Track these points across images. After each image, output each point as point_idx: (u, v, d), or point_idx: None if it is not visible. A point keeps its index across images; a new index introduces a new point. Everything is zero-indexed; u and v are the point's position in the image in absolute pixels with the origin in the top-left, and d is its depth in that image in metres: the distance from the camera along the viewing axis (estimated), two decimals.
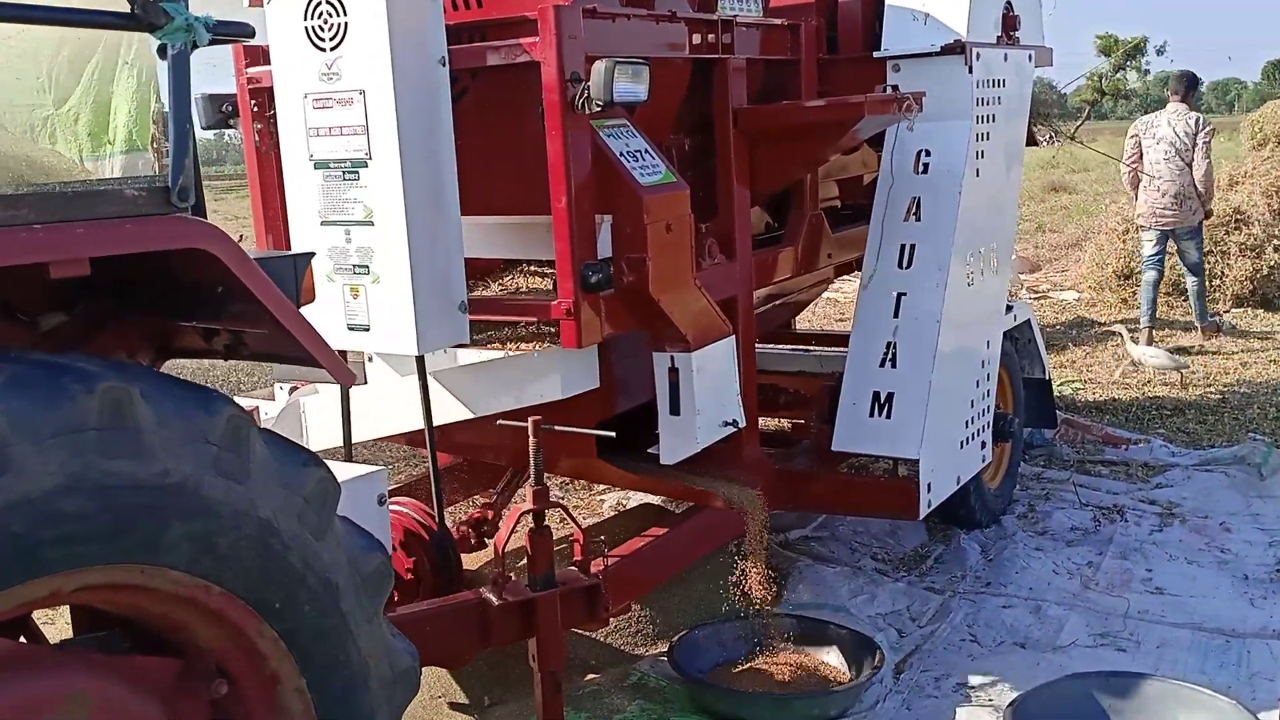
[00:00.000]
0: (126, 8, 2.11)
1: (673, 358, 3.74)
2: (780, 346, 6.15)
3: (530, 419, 3.44)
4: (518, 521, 3.53)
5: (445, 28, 3.39)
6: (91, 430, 1.88)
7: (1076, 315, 10.58)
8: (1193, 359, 8.59)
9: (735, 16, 4.21)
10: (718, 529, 4.39)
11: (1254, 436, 6.64)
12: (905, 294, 4.57)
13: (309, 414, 4.11)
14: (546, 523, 3.53)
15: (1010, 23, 5.00)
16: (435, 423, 3.78)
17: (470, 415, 3.91)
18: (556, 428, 3.49)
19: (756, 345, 4.73)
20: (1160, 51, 38.20)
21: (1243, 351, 8.90)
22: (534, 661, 3.50)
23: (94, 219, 2.05)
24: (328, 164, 3.41)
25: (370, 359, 3.95)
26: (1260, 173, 11.26)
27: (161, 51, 2.17)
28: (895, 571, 5.12)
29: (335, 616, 2.30)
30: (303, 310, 2.47)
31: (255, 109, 4.04)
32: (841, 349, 4.85)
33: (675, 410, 3.77)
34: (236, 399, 4.09)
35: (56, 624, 4.02)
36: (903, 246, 4.61)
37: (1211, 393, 7.79)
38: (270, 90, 3.61)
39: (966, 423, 4.85)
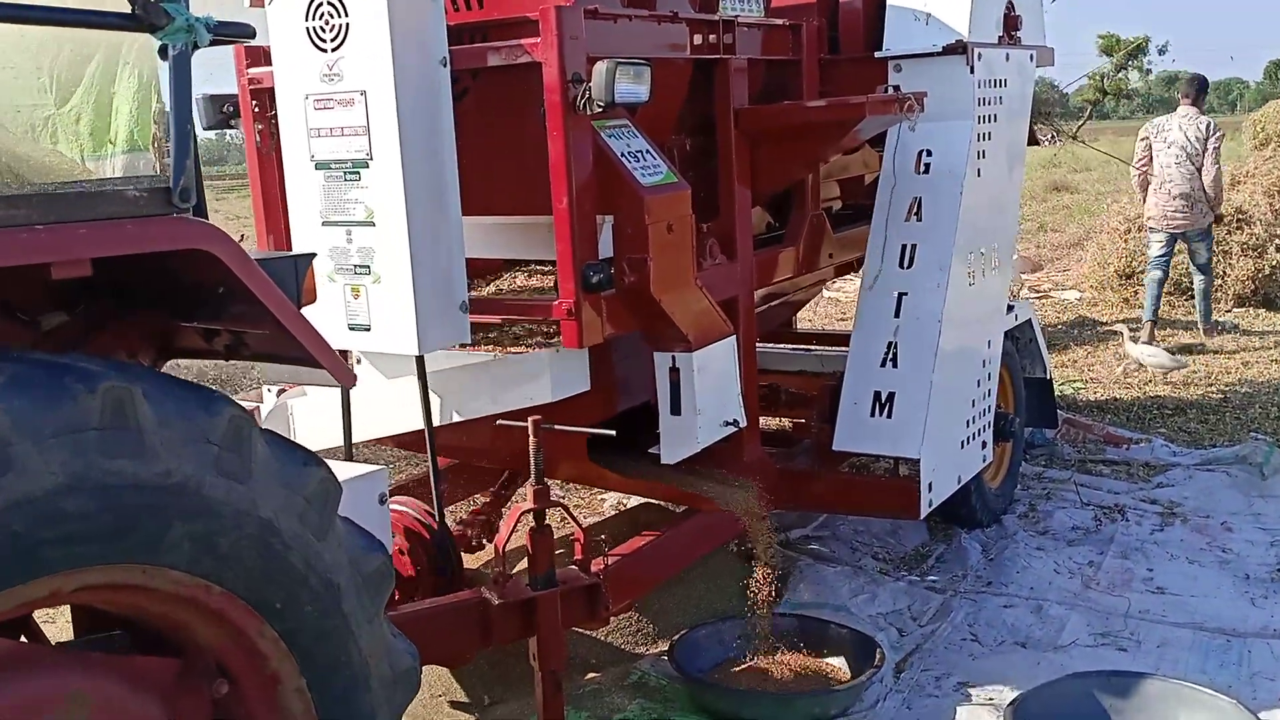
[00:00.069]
0: (127, 8, 2.12)
1: (674, 358, 3.75)
2: (781, 346, 6.16)
3: (530, 418, 3.45)
4: (518, 520, 3.53)
5: (446, 28, 3.39)
6: (93, 430, 1.88)
7: (1078, 315, 10.58)
8: (1194, 358, 8.59)
9: (736, 17, 4.22)
10: (718, 528, 4.40)
11: (1255, 436, 6.64)
12: (906, 294, 4.57)
13: (297, 416, 4.10)
14: (547, 522, 3.53)
15: (1012, 23, 5.00)
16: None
17: (458, 418, 3.90)
18: (557, 427, 3.49)
19: (757, 345, 4.73)
20: (1162, 51, 38.08)
21: (1244, 351, 8.89)
22: (534, 660, 3.50)
23: (95, 220, 2.05)
24: (329, 164, 3.41)
25: (359, 360, 3.94)
26: (1262, 172, 11.25)
27: (162, 52, 2.17)
28: (896, 571, 5.13)
29: (336, 616, 2.30)
30: (304, 310, 2.47)
31: (256, 109, 4.04)
32: (842, 348, 4.86)
33: (676, 410, 3.77)
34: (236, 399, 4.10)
35: (57, 623, 4.03)
36: (904, 246, 4.61)
37: (1213, 392, 7.79)
38: (271, 91, 3.61)
39: (968, 422, 4.85)
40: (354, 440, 3.89)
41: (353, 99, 3.31)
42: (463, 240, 3.49)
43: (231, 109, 4.10)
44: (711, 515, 4.37)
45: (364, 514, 2.77)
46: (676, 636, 4.30)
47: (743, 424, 4.03)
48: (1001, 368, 5.28)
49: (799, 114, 4.44)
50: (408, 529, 3.85)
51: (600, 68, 3.34)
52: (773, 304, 5.66)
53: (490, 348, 3.78)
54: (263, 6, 3.47)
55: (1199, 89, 9.31)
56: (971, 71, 4.59)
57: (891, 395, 4.51)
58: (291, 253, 2.83)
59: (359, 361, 4.00)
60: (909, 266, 4.60)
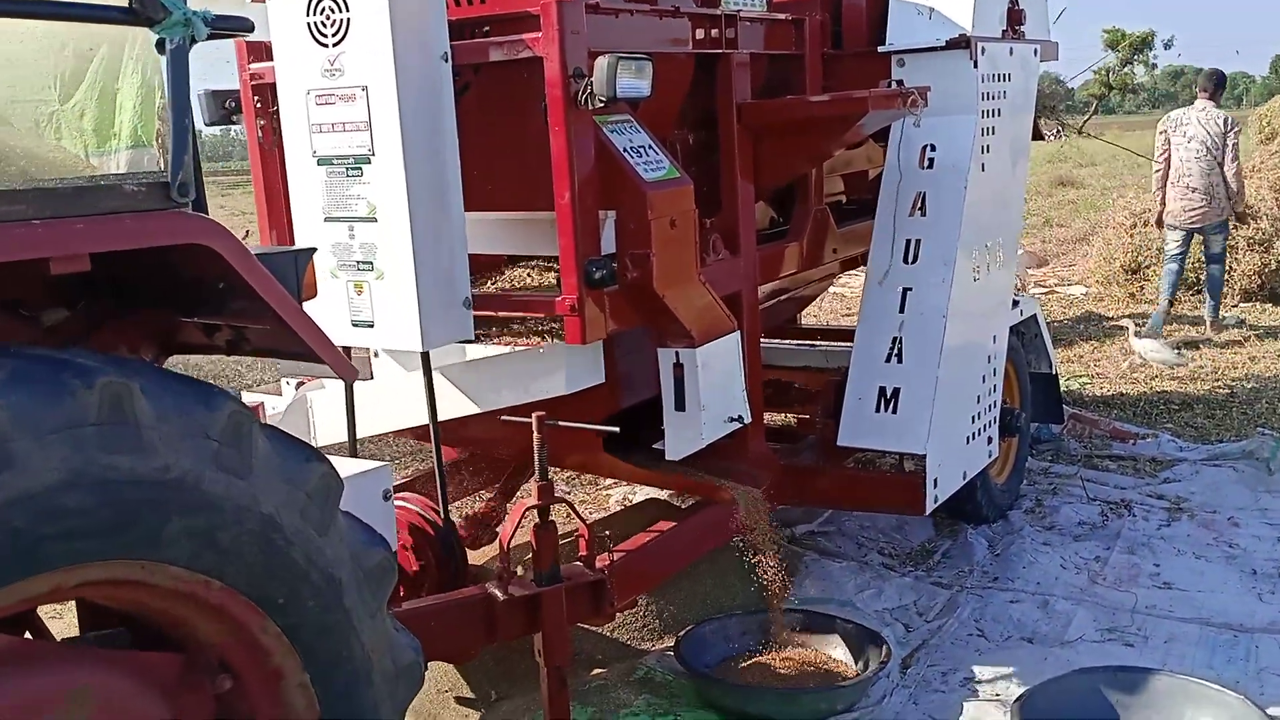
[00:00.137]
0: (125, 2, 2.11)
1: (677, 353, 3.74)
2: (786, 342, 6.15)
3: (534, 415, 3.44)
4: (523, 516, 3.53)
5: (448, 23, 3.39)
6: (91, 426, 1.88)
7: (1084, 310, 10.55)
8: (1201, 354, 8.57)
9: (739, 11, 4.21)
10: (724, 523, 4.38)
11: (1262, 431, 6.62)
12: (911, 289, 4.56)
13: (316, 409, 4.12)
14: (551, 518, 3.53)
15: (1015, 17, 4.99)
16: (442, 417, 3.78)
17: (476, 410, 3.91)
18: (562, 423, 3.49)
19: (762, 340, 4.72)
20: (1168, 46, 38.03)
21: (1251, 346, 8.87)
22: (540, 656, 3.50)
23: (94, 215, 2.05)
24: (331, 160, 3.41)
25: (376, 354, 3.96)
26: (1268, 167, 11.20)
27: (160, 46, 2.17)
28: (902, 566, 5.12)
29: (338, 612, 2.29)
30: (308, 307, 2.47)
31: (258, 105, 4.04)
32: (847, 344, 4.84)
33: (680, 406, 3.77)
34: (243, 394, 4.11)
35: (64, 619, 4.04)
36: (908, 241, 4.60)
37: (1220, 387, 7.76)
38: (273, 86, 3.61)
39: (973, 418, 4.84)
40: (378, 431, 3.89)
41: (354, 94, 3.30)
42: (465, 236, 3.48)
43: (234, 104, 4.10)
44: (718, 510, 4.37)
45: (368, 510, 2.77)
46: (682, 632, 4.30)
47: (747, 420, 4.02)
48: (1007, 363, 5.26)
49: (802, 109, 4.43)
50: (413, 525, 3.85)
51: (602, 62, 3.33)
52: (778, 300, 5.65)
53: (506, 340, 3.78)
54: (263, 1, 3.47)
55: (1217, 83, 9.33)
56: (975, 66, 4.58)
57: (897, 391, 4.50)
58: (291, 248, 2.82)
59: (377, 354, 4.01)
60: (913, 262, 4.59)
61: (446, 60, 3.37)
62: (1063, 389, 6.56)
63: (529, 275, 4.07)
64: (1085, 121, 22.18)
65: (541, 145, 3.44)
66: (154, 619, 2.20)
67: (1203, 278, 9.70)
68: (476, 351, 3.86)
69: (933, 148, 4.63)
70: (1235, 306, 10.11)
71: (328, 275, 3.45)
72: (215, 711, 2.28)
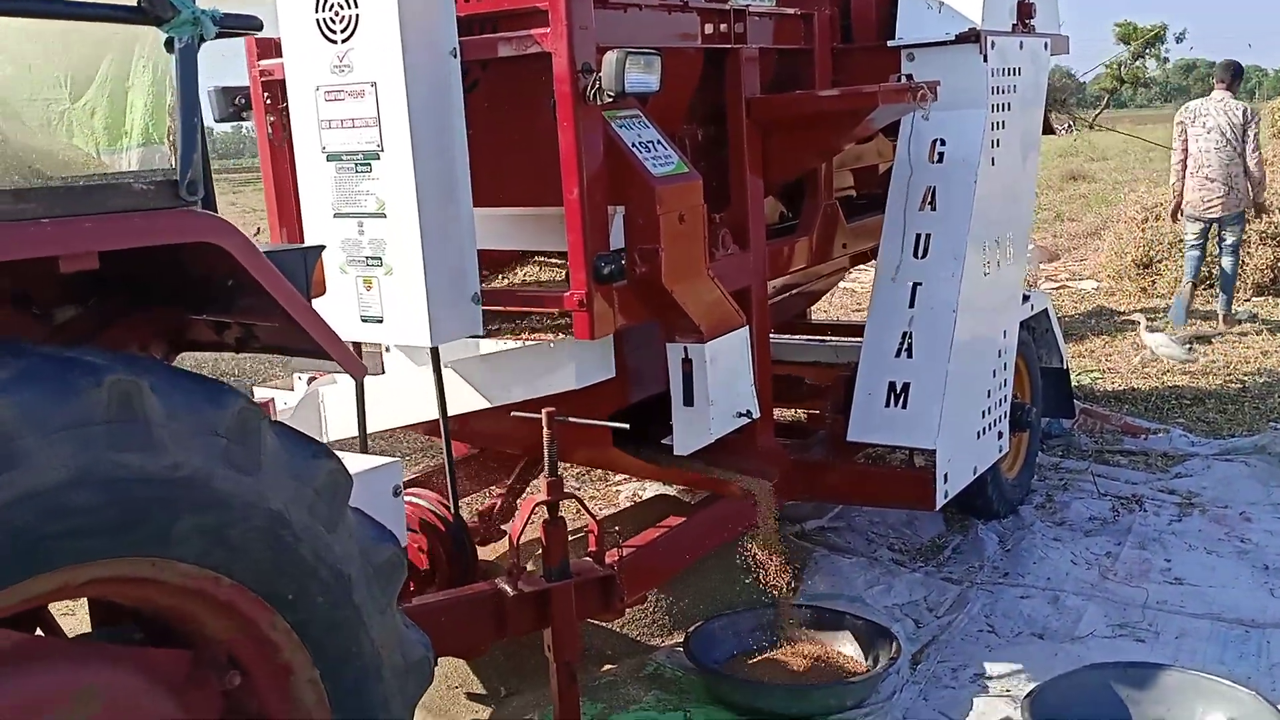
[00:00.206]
0: (135, 2, 2.12)
1: (686, 349, 3.74)
2: (795, 337, 6.14)
3: (544, 410, 3.44)
4: (532, 512, 3.53)
5: (456, 19, 3.39)
6: (100, 423, 1.88)
7: (1095, 305, 10.52)
8: (1213, 348, 8.54)
9: (748, 6, 4.20)
10: (733, 519, 4.39)
11: (1275, 426, 6.60)
12: (921, 284, 4.55)
13: (328, 404, 4.13)
14: (561, 513, 3.53)
15: (1026, 10, 4.97)
16: (452, 412, 3.79)
17: (486, 405, 3.92)
18: (571, 419, 3.49)
19: (771, 336, 4.71)
20: (1179, 39, 37.95)
21: (1263, 340, 8.83)
22: (549, 652, 3.51)
23: (103, 213, 2.05)
24: (340, 156, 3.41)
25: (388, 349, 3.97)
26: None
27: (169, 45, 2.17)
28: (912, 562, 5.11)
29: (348, 608, 2.30)
30: (317, 302, 2.47)
31: (268, 101, 4.05)
32: (857, 339, 4.84)
33: (689, 401, 3.76)
34: (255, 390, 4.12)
35: (77, 615, 4.05)
36: (918, 236, 4.59)
37: (1231, 382, 7.74)
38: (283, 83, 3.62)
39: (983, 413, 4.83)
40: (388, 427, 3.89)
41: (363, 91, 3.30)
42: (474, 232, 3.49)
43: (243, 101, 4.11)
44: (727, 505, 4.37)
45: (377, 506, 2.77)
46: (692, 628, 4.30)
47: (756, 415, 4.01)
48: (1018, 358, 5.25)
49: (811, 103, 4.41)
50: (423, 521, 3.85)
51: (610, 58, 3.32)
52: (788, 295, 5.64)
53: (516, 336, 3.78)
54: None
55: (1234, 74, 9.34)
56: (985, 60, 4.56)
57: (906, 386, 4.49)
58: (300, 245, 2.83)
59: (388, 350, 4.02)
60: (923, 256, 4.57)
61: (455, 56, 3.37)
62: (1074, 384, 6.54)
63: (538, 271, 4.07)
64: (1097, 116, 22.09)
65: (550, 140, 3.44)
66: (163, 615, 2.21)
67: (1215, 272, 9.68)
68: (485, 347, 3.87)
69: (943, 142, 4.61)
70: (1247, 301, 10.08)
71: (337, 271, 3.46)
72: (224, 708, 2.29)
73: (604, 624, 4.33)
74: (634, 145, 3.53)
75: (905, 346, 4.52)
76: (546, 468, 3.47)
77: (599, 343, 3.70)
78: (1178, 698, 3.67)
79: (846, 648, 4.27)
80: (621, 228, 3.58)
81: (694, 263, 3.69)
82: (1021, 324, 5.31)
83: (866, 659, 4.18)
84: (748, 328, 3.96)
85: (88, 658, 2.15)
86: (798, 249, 4.72)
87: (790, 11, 4.52)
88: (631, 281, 3.56)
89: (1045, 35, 5.15)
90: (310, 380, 4.28)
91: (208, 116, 3.97)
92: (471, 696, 4.15)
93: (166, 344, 2.63)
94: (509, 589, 3.46)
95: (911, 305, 4.54)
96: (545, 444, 3.44)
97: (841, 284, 9.75)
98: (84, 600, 2.88)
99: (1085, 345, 8.88)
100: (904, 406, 4.49)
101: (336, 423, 4.08)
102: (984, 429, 4.84)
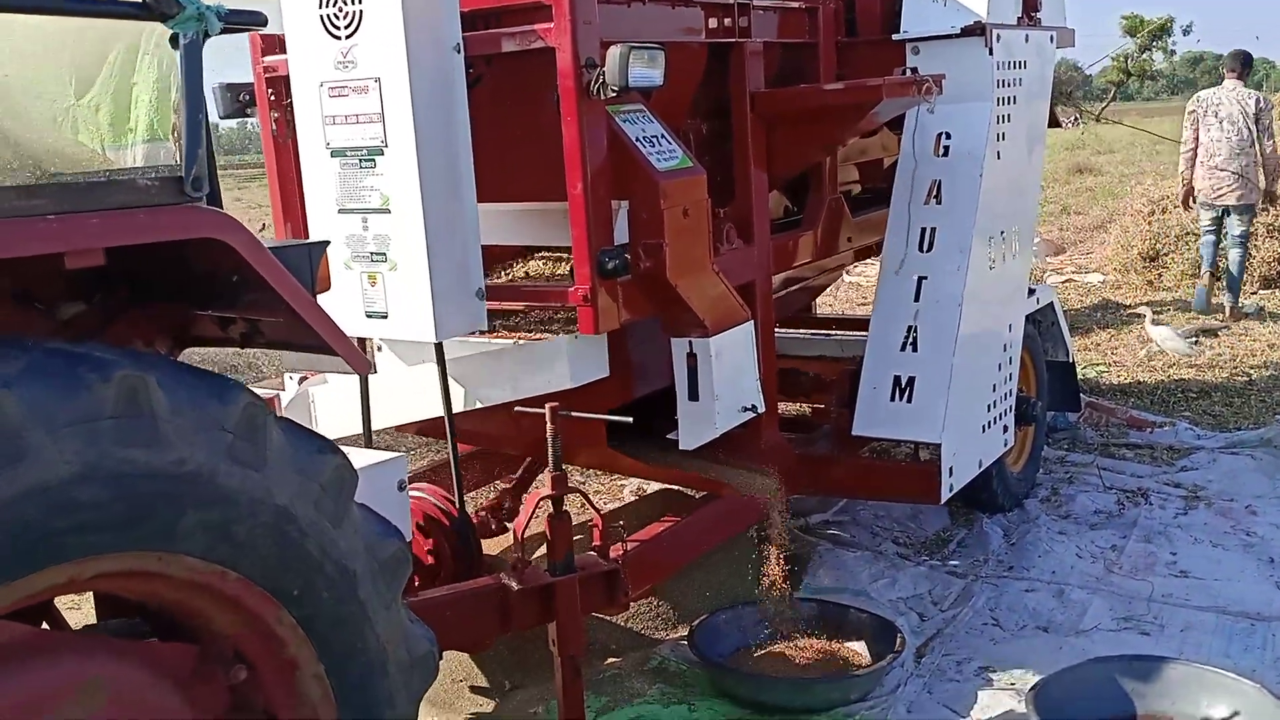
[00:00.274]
0: None
1: (691, 343, 3.74)
2: (800, 331, 6.14)
3: (547, 405, 3.45)
4: (537, 507, 3.54)
5: (459, 14, 3.39)
6: (107, 419, 1.89)
7: (1101, 298, 10.50)
8: (1219, 341, 8.53)
9: (751, 0, 4.19)
10: (738, 513, 4.39)
11: None
12: (926, 277, 4.55)
13: (318, 404, 4.12)
14: (565, 508, 3.53)
15: (1031, 3, 4.96)
16: (442, 413, 3.78)
17: (478, 405, 3.91)
18: (574, 414, 3.49)
19: (776, 330, 4.71)
20: (1186, 32, 37.74)
21: (1270, 334, 8.81)
22: (554, 646, 3.51)
23: (107, 209, 2.06)
24: (344, 152, 3.42)
25: (380, 348, 3.96)
26: None
27: (173, 41, 2.18)
28: (917, 555, 5.11)
29: (353, 603, 2.31)
30: (321, 297, 2.48)
31: (272, 97, 4.05)
32: (862, 333, 4.84)
33: (694, 396, 3.77)
34: (256, 387, 4.12)
35: (83, 609, 4.06)
36: (923, 230, 4.59)
37: (1238, 375, 7.72)
38: (287, 78, 3.62)
39: (989, 406, 4.83)
40: (376, 428, 3.90)
41: (367, 86, 3.31)
42: (478, 227, 3.49)
43: (248, 97, 4.11)
44: (732, 500, 4.37)
45: (383, 501, 2.77)
46: (696, 621, 4.31)
47: (761, 409, 4.02)
48: (1023, 351, 5.25)
49: (816, 97, 4.41)
50: (428, 516, 3.86)
51: (614, 52, 3.32)
52: (792, 289, 5.64)
53: (512, 334, 3.78)
54: None
55: (1244, 63, 9.41)
56: (990, 53, 4.56)
57: (911, 380, 4.49)
58: (305, 240, 2.83)
59: (380, 349, 4.01)
60: (928, 250, 4.57)
61: (459, 51, 3.37)
62: (1079, 377, 6.53)
63: (542, 265, 4.07)
64: (1103, 109, 22.02)
65: (554, 136, 3.44)
66: (169, 610, 2.21)
67: (1222, 265, 9.66)
68: (482, 345, 3.85)
69: (948, 135, 4.61)
70: (1254, 294, 10.06)
71: (341, 266, 3.47)
72: (230, 702, 2.29)
73: (608, 618, 4.33)
74: (638, 140, 3.53)
75: (910, 340, 4.52)
76: (551, 462, 3.47)
77: (593, 342, 3.69)
78: (1182, 691, 3.67)
79: (851, 641, 4.27)
80: (626, 222, 3.58)
81: (698, 257, 3.69)
82: (1027, 317, 5.30)
83: (871, 652, 4.18)
84: (752, 322, 3.96)
85: (94, 650, 2.16)
86: (802, 243, 4.72)
87: (795, 5, 4.52)
88: (636, 276, 3.57)
89: (1051, 28, 5.14)
90: (301, 380, 4.27)
91: (212, 113, 3.96)
92: (476, 690, 4.16)
93: (171, 340, 2.64)
94: (513, 583, 3.47)
95: (916, 299, 4.54)
96: (549, 438, 3.44)
97: (847, 277, 9.76)
98: (90, 594, 2.90)
99: (1091, 339, 8.87)
100: (909, 400, 4.49)
101: (327, 422, 4.07)
102: (989, 423, 4.84)
